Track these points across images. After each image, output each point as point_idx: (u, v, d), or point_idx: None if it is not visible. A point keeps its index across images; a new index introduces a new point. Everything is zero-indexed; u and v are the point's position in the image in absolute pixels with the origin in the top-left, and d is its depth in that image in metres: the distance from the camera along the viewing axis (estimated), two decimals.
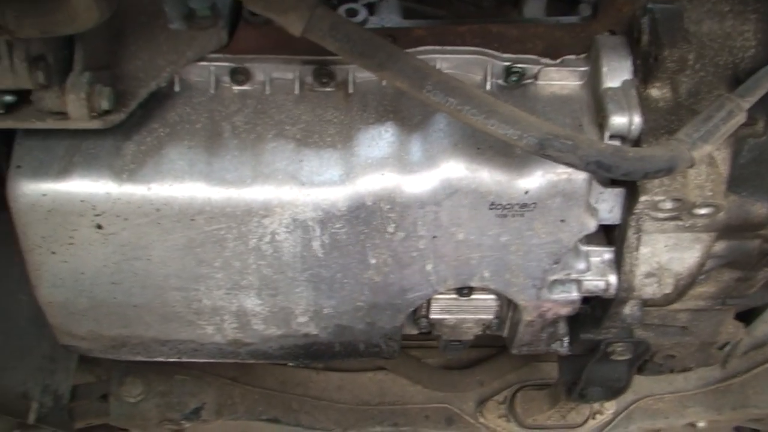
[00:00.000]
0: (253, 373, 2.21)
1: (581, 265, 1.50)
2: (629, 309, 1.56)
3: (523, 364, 2.38)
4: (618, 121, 1.34)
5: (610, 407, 2.33)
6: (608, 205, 1.45)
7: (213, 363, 2.05)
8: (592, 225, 1.42)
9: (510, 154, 1.35)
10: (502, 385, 2.37)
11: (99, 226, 1.39)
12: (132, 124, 1.39)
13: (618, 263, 1.50)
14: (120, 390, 2.02)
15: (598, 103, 1.39)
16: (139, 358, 1.64)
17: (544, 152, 1.17)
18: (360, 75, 1.44)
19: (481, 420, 2.35)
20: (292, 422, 2.23)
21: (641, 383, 2.36)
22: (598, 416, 2.33)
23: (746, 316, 2.25)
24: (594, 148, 1.18)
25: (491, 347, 2.41)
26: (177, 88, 1.44)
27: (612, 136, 1.36)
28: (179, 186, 1.36)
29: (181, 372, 2.07)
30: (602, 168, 1.19)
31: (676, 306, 1.80)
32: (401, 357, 2.39)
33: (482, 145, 1.35)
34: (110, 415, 2.05)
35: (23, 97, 1.31)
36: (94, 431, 2.20)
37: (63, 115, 1.30)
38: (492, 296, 1.56)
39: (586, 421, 2.33)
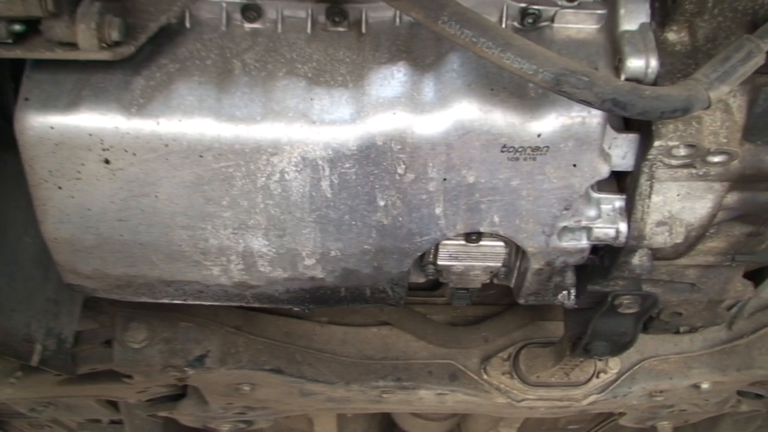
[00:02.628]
0: (258, 324, 2.21)
1: (592, 213, 1.48)
2: (638, 259, 1.54)
3: (528, 322, 2.37)
4: (635, 64, 1.33)
5: (614, 366, 2.32)
6: (621, 151, 1.44)
7: (217, 311, 2.07)
8: (604, 170, 1.40)
9: (524, 96, 1.33)
10: (506, 343, 2.36)
11: (106, 161, 1.38)
12: (141, 59, 1.37)
13: (629, 211, 1.48)
14: (124, 335, 2.01)
15: (614, 46, 1.37)
16: (143, 299, 1.64)
17: (559, 88, 1.16)
18: (373, 15, 1.42)
19: (485, 377, 2.34)
20: (295, 374, 2.23)
21: (646, 344, 2.35)
22: (602, 375, 2.33)
23: (754, 278, 2.24)
24: (611, 85, 1.16)
25: (497, 305, 2.41)
26: (188, 25, 1.42)
27: (628, 80, 1.34)
28: (188, 122, 1.34)
29: (185, 319, 2.06)
30: (618, 106, 1.17)
31: (685, 261, 1.79)
32: (406, 312, 2.39)
33: (496, 86, 1.33)
34: (114, 360, 2.04)
35: (33, 26, 1.28)
36: (98, 376, 2.21)
37: (72, 45, 1.28)
38: (501, 243, 1.54)
39: (589, 380, 2.32)
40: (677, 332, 2.29)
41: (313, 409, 2.69)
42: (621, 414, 2.91)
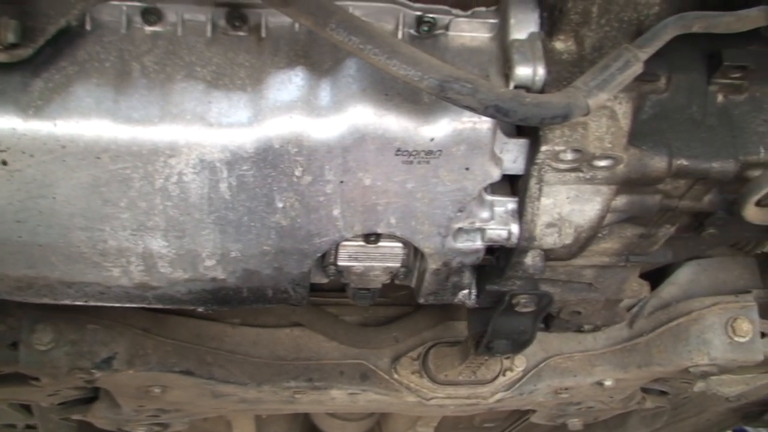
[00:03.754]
0: (167, 325, 2.21)
1: (485, 214, 1.53)
2: (531, 259, 1.60)
3: (437, 322, 2.42)
4: (522, 72, 1.38)
5: (520, 365, 2.39)
6: (512, 156, 1.49)
7: (125, 313, 2.06)
8: (495, 174, 1.45)
9: (418, 102, 1.37)
10: (416, 342, 2.41)
11: (4, 162, 1.37)
12: (41, 62, 1.37)
13: (520, 213, 1.53)
14: (30, 337, 1.99)
15: (505, 55, 1.42)
16: (45, 301, 1.63)
17: (444, 94, 1.20)
18: (273, 20, 1.44)
19: (395, 376, 2.39)
20: (205, 375, 2.23)
21: (551, 342, 2.43)
22: (508, 373, 2.39)
23: (655, 279, 2.33)
24: (493, 92, 1.21)
25: (407, 305, 2.45)
26: (88, 27, 1.41)
27: (517, 87, 1.39)
28: (85, 123, 1.35)
29: (92, 321, 2.05)
30: (500, 112, 1.21)
31: (581, 262, 1.85)
32: (318, 313, 2.42)
33: (390, 92, 1.37)
34: (20, 362, 2.02)
35: None
36: (6, 379, 2.18)
37: None
38: (399, 244, 1.58)
39: (496, 378, 2.39)
40: (581, 331, 2.36)
41: (227, 411, 2.70)
42: (532, 412, 2.99)
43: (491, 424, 3.58)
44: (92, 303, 1.64)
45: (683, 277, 2.31)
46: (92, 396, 2.55)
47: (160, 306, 1.65)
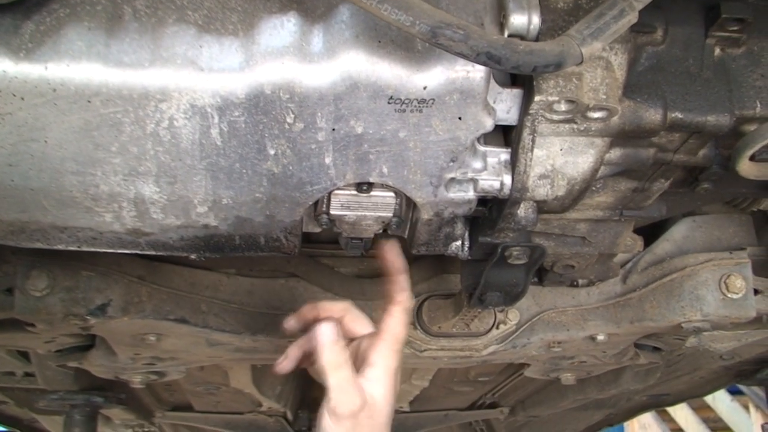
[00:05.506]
0: (162, 274, 2.22)
1: (478, 165, 1.53)
2: (523, 211, 1.60)
3: (432, 275, 2.43)
4: (517, 20, 1.36)
5: (513, 318, 2.40)
6: (506, 106, 1.48)
7: (120, 261, 2.07)
8: (488, 124, 1.44)
9: (411, 49, 1.36)
10: (411, 295, 2.41)
11: None
12: (32, 4, 1.35)
13: (513, 164, 1.53)
14: (25, 283, 2.00)
15: (500, 3, 1.40)
16: (38, 245, 1.63)
17: (435, 41, 1.19)
18: None
19: None
20: (200, 324, 2.25)
21: (545, 297, 2.44)
22: (501, 326, 2.41)
23: (650, 234, 2.33)
24: (485, 39, 1.20)
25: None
26: None
27: (511, 35, 1.38)
28: (76, 66, 1.34)
29: (87, 268, 2.06)
30: (492, 59, 1.20)
31: (575, 216, 1.85)
32: (314, 265, 2.43)
33: (384, 39, 1.36)
34: (15, 308, 2.03)
35: None
36: (2, 326, 2.20)
37: None
38: (391, 193, 1.58)
39: (489, 330, 2.40)
40: (574, 286, 2.38)
41: (223, 360, 2.72)
42: (525, 366, 3.02)
43: (486, 378, 3.62)
44: (85, 248, 1.64)
45: (678, 233, 2.31)
46: (88, 344, 2.57)
47: (153, 252, 1.66)
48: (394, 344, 1.74)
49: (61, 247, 1.63)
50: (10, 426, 4.18)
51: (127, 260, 2.13)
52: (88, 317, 2.05)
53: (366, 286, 2.42)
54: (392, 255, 1.77)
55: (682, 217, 2.31)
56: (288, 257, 2.33)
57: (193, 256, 1.69)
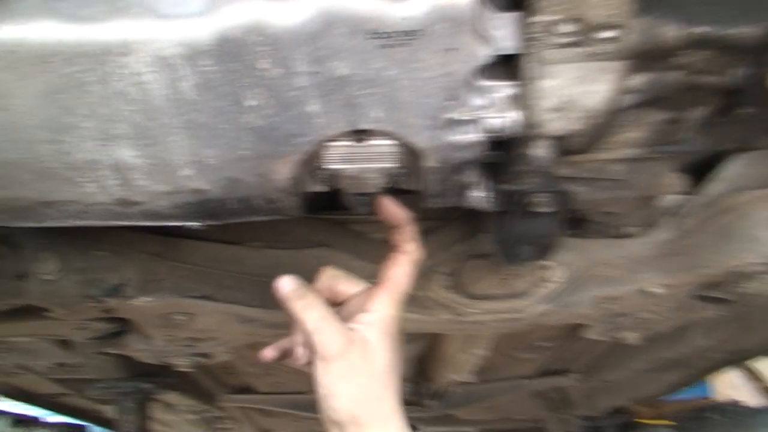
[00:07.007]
0: (181, 249, 2.12)
1: (480, 102, 1.38)
2: (540, 150, 1.45)
3: (469, 236, 2.29)
4: None
5: (560, 275, 2.24)
6: (504, 33, 1.32)
7: (133, 238, 1.99)
8: (483, 54, 1.29)
9: None
10: (449, 257, 2.27)
11: None
12: None
13: (520, 98, 1.38)
14: (36, 267, 1.94)
15: None
16: (29, 224, 1.56)
17: None
18: None
19: (427, 293, 2.27)
20: (226, 299, 2.15)
21: (592, 250, 2.26)
22: (548, 284, 2.25)
23: (701, 174, 2.14)
24: None
25: (437, 219, 2.32)
26: None
27: None
28: (31, 26, 1.24)
29: (99, 247, 1.98)
30: None
31: (606, 155, 1.69)
32: (343, 232, 2.31)
33: None
34: (28, 294, 1.97)
35: None
36: (20, 313, 2.15)
37: None
38: (390, 141, 1.44)
39: (535, 290, 2.25)
40: (622, 236, 2.21)
41: (261, 337, 2.63)
42: (585, 328, 2.85)
43: (548, 343, 3.47)
44: (77, 223, 1.55)
45: (731, 171, 2.10)
46: (123, 329, 2.51)
47: (147, 223, 1.56)
48: (396, 293, 1.61)
49: (52, 223, 1.56)
50: (76, 417, 4.20)
51: (142, 238, 2.05)
52: (104, 298, 1.98)
53: None
54: (391, 207, 1.63)
55: (732, 154, 2.10)
56: (304, 222, 2.22)
57: (193, 225, 1.59)
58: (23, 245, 1.97)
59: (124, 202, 1.50)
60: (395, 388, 1.56)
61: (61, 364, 3.21)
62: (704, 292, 2.50)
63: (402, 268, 1.64)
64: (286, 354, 1.73)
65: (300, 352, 1.66)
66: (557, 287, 2.27)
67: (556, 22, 1.26)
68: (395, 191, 1.64)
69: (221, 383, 3.99)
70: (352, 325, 1.55)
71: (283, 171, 1.46)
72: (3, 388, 3.75)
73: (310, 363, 1.59)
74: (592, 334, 2.89)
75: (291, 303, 1.55)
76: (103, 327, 2.43)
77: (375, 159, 1.48)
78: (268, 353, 1.76)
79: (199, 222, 1.58)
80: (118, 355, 2.76)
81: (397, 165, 1.49)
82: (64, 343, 2.82)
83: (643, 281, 2.23)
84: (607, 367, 3.90)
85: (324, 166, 1.48)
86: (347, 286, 1.70)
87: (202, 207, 1.53)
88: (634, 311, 2.50)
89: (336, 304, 1.68)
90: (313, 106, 1.34)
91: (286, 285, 1.57)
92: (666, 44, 1.33)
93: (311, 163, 1.49)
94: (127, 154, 1.39)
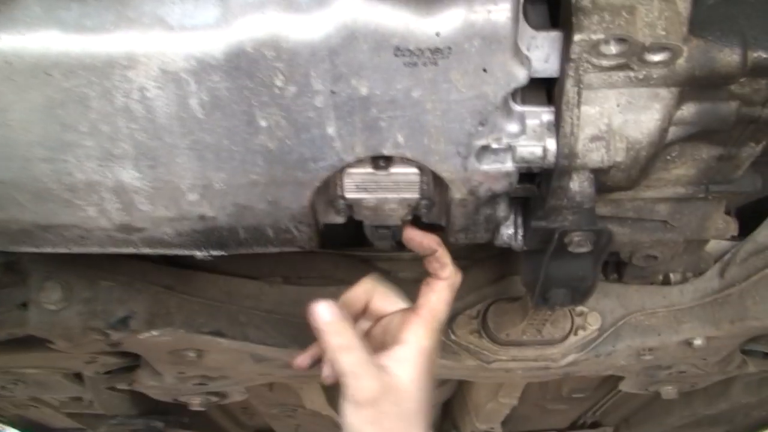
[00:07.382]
0: (194, 283, 2.02)
1: (514, 128, 1.26)
2: (577, 183, 1.32)
3: (498, 278, 2.16)
4: None
5: (594, 322, 2.11)
6: (543, 53, 1.21)
7: (145, 270, 1.89)
8: (521, 75, 1.18)
9: None
10: (475, 299, 2.15)
11: None
12: None
13: (558, 125, 1.26)
14: (39, 296, 1.83)
15: None
16: (26, 249, 1.46)
17: None
18: None
19: (452, 337, 2.14)
20: (238, 336, 2.03)
21: (631, 297, 2.13)
22: (580, 332, 2.11)
23: (750, 221, 2.01)
24: None
25: (465, 259, 2.19)
26: None
27: None
28: (32, 35, 1.15)
29: (107, 278, 1.88)
30: None
31: (651, 194, 1.57)
32: (367, 270, 2.19)
33: None
34: (29, 324, 1.87)
35: None
36: (22, 344, 2.05)
37: None
38: (413, 169, 1.32)
39: (566, 337, 2.11)
40: (664, 283, 2.07)
41: (276, 378, 2.51)
42: (620, 379, 2.70)
43: (581, 394, 3.31)
44: (76, 250, 1.45)
45: None
46: (134, 364, 2.41)
47: (148, 250, 1.46)
48: (432, 322, 1.51)
49: (50, 249, 1.46)
50: None
51: (153, 269, 1.95)
52: (108, 331, 1.87)
53: None
54: (416, 235, 1.53)
55: None
56: (317, 254, 2.11)
57: (199, 256, 1.48)
58: (30, 273, 1.87)
59: (126, 228, 1.39)
60: (424, 428, 1.47)
61: (75, 398, 3.11)
62: (749, 345, 2.35)
63: (438, 294, 1.53)
64: (319, 360, 1.64)
65: (327, 372, 1.59)
66: (591, 335, 2.14)
67: (599, 42, 1.15)
68: (418, 224, 1.52)
69: (239, 424, 3.87)
70: (384, 361, 1.44)
71: (296, 199, 1.35)
72: (16, 420, 3.66)
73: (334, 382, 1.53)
74: (627, 387, 2.75)
75: (327, 337, 1.45)
76: (114, 361, 2.33)
77: (397, 188, 1.36)
78: (302, 361, 1.66)
79: (204, 252, 1.47)
80: (131, 391, 2.66)
81: (420, 196, 1.38)
82: (77, 377, 2.71)
83: (685, 332, 2.09)
84: (642, 422, 3.73)
85: (341, 195, 1.37)
86: (384, 303, 1.62)
87: (209, 235, 1.42)
88: (673, 364, 2.36)
89: (363, 312, 1.62)
90: (331, 128, 1.23)
91: (324, 315, 1.46)
92: (721, 70, 1.21)
93: (327, 190, 1.38)
94: (128, 175, 1.29)
